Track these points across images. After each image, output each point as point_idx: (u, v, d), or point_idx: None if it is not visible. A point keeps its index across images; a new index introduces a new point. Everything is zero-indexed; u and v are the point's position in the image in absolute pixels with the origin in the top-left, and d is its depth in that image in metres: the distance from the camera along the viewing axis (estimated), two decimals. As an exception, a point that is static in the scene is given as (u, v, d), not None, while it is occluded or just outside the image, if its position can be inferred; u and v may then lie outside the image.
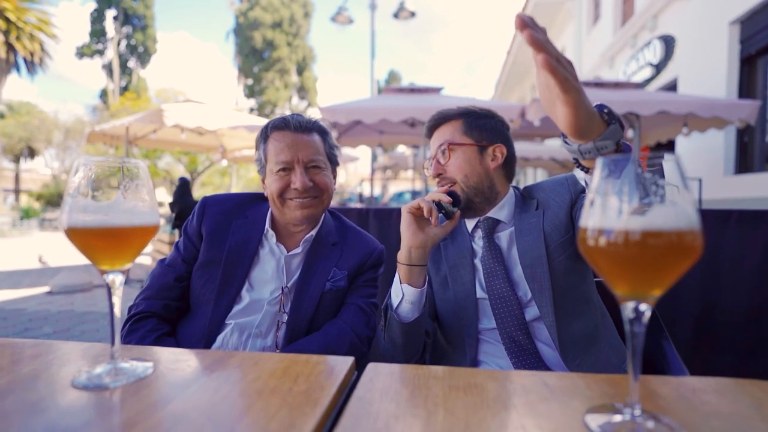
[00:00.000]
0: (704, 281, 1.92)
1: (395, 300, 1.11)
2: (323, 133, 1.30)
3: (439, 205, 1.10)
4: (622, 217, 0.49)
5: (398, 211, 2.06)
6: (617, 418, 0.52)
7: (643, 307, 0.51)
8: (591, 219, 0.51)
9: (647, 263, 0.48)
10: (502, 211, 1.24)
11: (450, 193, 1.13)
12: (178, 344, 1.21)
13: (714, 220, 1.90)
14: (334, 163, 1.33)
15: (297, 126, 1.23)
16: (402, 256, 1.10)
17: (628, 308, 0.52)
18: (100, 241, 0.61)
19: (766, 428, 0.52)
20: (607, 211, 0.50)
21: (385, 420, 0.53)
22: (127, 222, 0.62)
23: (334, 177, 1.35)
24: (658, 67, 8.71)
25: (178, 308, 1.28)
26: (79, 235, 0.60)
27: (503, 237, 1.23)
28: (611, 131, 0.77)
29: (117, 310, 0.66)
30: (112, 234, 0.61)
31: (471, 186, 1.20)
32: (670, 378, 0.67)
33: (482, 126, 1.24)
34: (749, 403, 0.58)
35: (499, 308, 1.16)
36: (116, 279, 0.64)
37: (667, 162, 0.51)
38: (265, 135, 1.26)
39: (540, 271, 1.14)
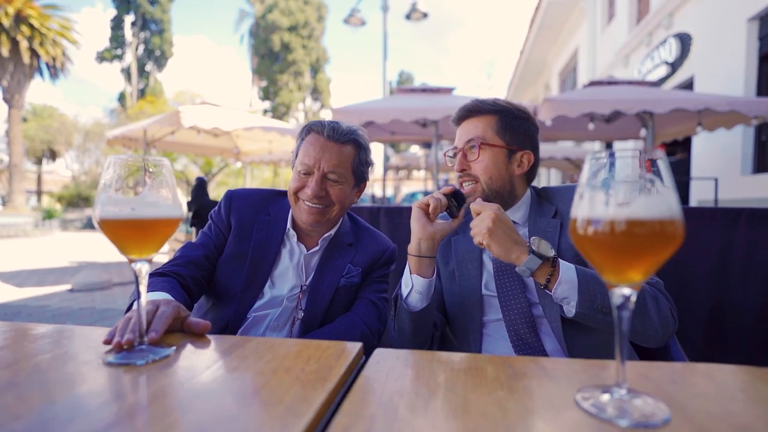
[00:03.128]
0: (715, 280, 1.91)
1: (405, 290, 1.16)
2: (359, 147, 1.30)
3: (449, 201, 1.14)
4: (608, 207, 0.52)
5: (408, 209, 2.10)
6: (605, 397, 0.56)
7: (628, 292, 0.55)
8: (580, 210, 0.55)
9: (632, 250, 0.52)
10: (517, 212, 1.26)
11: (455, 192, 1.16)
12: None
13: (724, 218, 1.90)
14: (359, 179, 1.33)
15: (330, 134, 1.25)
16: (412, 248, 1.14)
17: (615, 294, 0.56)
18: (128, 232, 0.67)
19: (752, 408, 0.55)
20: (595, 203, 0.54)
21: (389, 396, 0.57)
22: (153, 214, 0.68)
23: (359, 192, 1.36)
24: (674, 66, 8.59)
25: (199, 287, 1.26)
26: (109, 227, 0.67)
27: None
28: (528, 260, 0.99)
29: (143, 298, 0.71)
30: (139, 225, 0.67)
31: (493, 189, 1.21)
32: (662, 363, 0.70)
33: (516, 128, 1.23)
34: (736, 385, 0.61)
35: (508, 306, 1.19)
36: (143, 267, 0.70)
37: (658, 159, 0.54)
38: (302, 134, 1.30)
39: None
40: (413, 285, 1.14)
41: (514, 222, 1.26)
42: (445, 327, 1.36)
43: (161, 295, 1.00)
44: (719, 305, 1.90)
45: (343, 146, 1.26)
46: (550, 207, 1.25)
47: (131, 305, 1.07)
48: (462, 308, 1.26)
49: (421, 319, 1.15)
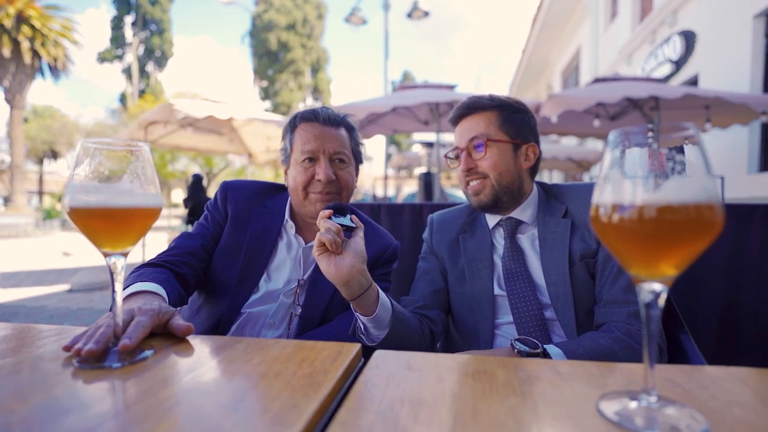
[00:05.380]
0: (727, 278, 1.85)
1: (360, 326, 1.02)
2: (350, 128, 1.30)
3: (338, 222, 0.97)
4: (636, 191, 0.46)
5: (410, 206, 2.04)
6: (633, 404, 0.50)
7: (658, 288, 0.49)
8: (604, 195, 0.49)
9: (663, 240, 0.46)
10: (525, 211, 1.21)
11: (334, 208, 1.00)
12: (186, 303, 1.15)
13: (737, 215, 1.84)
14: (358, 159, 1.33)
15: (326, 119, 1.24)
16: (343, 293, 0.97)
17: (644, 290, 0.49)
18: (100, 222, 0.61)
19: (794, 418, 0.49)
20: (621, 186, 0.47)
21: (390, 403, 0.51)
22: (128, 203, 0.62)
23: (357, 174, 1.34)
24: (678, 64, 8.50)
25: (196, 279, 1.20)
26: (80, 216, 0.61)
27: (525, 239, 1.21)
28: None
29: (119, 296, 0.65)
30: (112, 215, 0.61)
31: (503, 185, 1.16)
32: (689, 367, 0.64)
33: (518, 122, 1.19)
34: (775, 392, 0.55)
35: (518, 308, 1.13)
36: (118, 262, 0.64)
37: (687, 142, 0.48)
38: (293, 125, 1.27)
39: (563, 290, 1.10)
40: (365, 323, 1.00)
41: (523, 222, 1.21)
42: (449, 326, 1.31)
43: (153, 287, 0.94)
44: (733, 303, 1.84)
45: (338, 129, 1.26)
46: (560, 205, 1.20)
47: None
48: (472, 309, 1.21)
49: (394, 340, 1.01)
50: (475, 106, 1.20)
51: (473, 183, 1.18)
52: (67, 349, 0.64)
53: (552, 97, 4.88)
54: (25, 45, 20.03)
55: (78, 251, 9.78)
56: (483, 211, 1.24)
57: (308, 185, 1.22)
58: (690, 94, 4.83)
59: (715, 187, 0.46)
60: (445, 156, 1.26)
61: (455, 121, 1.24)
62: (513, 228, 1.21)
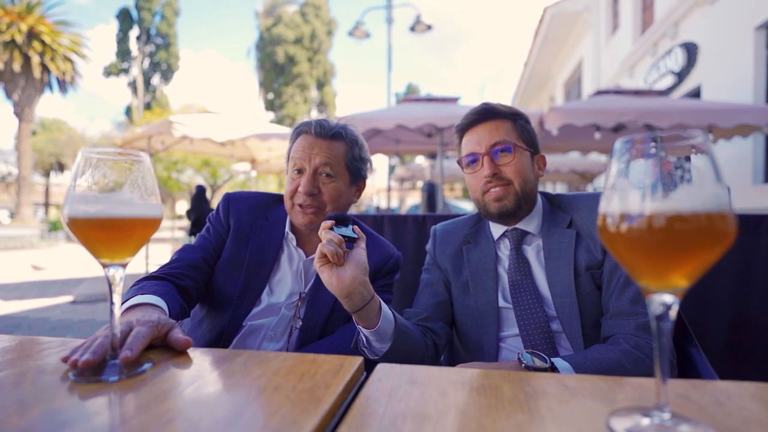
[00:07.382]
0: (737, 290, 1.82)
1: (363, 339, 1.01)
2: (350, 141, 1.25)
3: (340, 233, 0.94)
4: (645, 200, 0.45)
5: (413, 217, 2.03)
6: (645, 421, 0.48)
7: (669, 300, 0.47)
8: (611, 204, 0.48)
9: (674, 250, 0.45)
10: (531, 222, 1.19)
11: (335, 219, 0.97)
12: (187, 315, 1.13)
13: (746, 226, 1.81)
14: (354, 174, 1.27)
15: (318, 131, 1.22)
16: (345, 306, 0.95)
17: (654, 302, 0.48)
18: (99, 233, 0.60)
19: (814, 436, 0.47)
20: (629, 195, 0.46)
21: (392, 419, 0.50)
22: (128, 213, 0.61)
23: (358, 192, 1.30)
24: (681, 75, 8.52)
25: (198, 292, 1.19)
26: (78, 226, 0.60)
27: (531, 250, 1.19)
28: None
29: (117, 308, 0.64)
30: (111, 225, 0.60)
31: (525, 192, 1.15)
32: (703, 382, 0.62)
33: (530, 132, 1.20)
34: (793, 408, 0.53)
35: (525, 320, 1.11)
36: (117, 274, 0.63)
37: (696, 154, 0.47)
38: (293, 136, 1.27)
39: (569, 302, 1.08)
40: (367, 336, 0.98)
41: (529, 233, 1.19)
42: (454, 339, 1.28)
43: (153, 299, 0.93)
44: (742, 316, 1.81)
45: (332, 141, 1.22)
46: (564, 216, 1.18)
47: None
48: (476, 321, 1.18)
49: (397, 354, 0.99)
50: (493, 111, 1.18)
51: (495, 189, 1.14)
52: (65, 360, 0.63)
53: (553, 110, 4.89)
54: (35, 60, 20.36)
55: (50, 265, 9.73)
56: (500, 218, 1.18)
57: (293, 196, 1.21)
58: (683, 124, 4.82)
59: (726, 195, 0.45)
60: (460, 160, 1.23)
61: (469, 126, 1.20)
62: (519, 239, 1.19)
